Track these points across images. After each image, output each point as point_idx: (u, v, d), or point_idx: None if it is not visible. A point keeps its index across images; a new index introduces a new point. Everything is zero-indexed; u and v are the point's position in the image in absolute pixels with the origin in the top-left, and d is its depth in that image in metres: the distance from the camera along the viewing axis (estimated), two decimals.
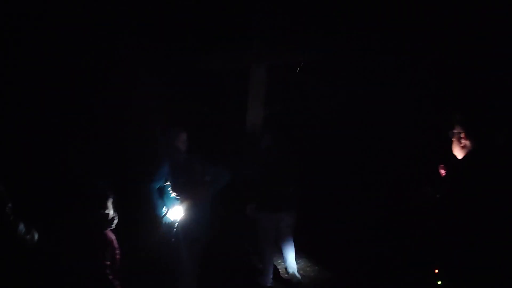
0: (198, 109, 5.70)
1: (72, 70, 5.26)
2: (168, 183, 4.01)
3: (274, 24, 5.37)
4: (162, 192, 4.07)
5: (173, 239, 3.87)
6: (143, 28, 5.53)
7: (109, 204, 2.82)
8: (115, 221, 2.86)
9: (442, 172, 3.27)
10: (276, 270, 4.84)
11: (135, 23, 5.50)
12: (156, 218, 4.01)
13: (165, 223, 4.00)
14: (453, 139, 2.56)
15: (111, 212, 2.82)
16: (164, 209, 4.02)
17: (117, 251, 2.86)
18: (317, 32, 5.31)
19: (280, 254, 4.80)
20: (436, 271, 2.52)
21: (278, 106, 5.58)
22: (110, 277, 2.74)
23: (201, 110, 5.73)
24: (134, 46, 5.50)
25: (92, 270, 2.70)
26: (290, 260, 4.71)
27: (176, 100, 5.60)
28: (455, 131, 2.52)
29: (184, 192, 3.85)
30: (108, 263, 2.74)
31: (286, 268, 4.78)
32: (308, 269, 5.04)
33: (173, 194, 3.93)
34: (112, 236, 2.87)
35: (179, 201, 3.88)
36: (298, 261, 4.93)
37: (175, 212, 3.91)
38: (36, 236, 2.64)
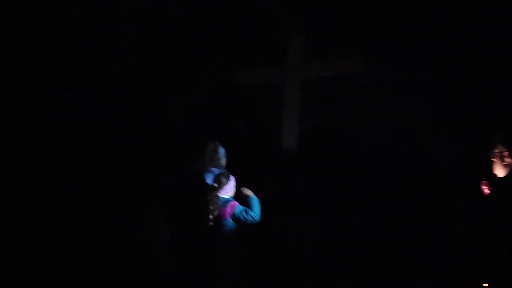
0: (232, 125, 5.73)
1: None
2: None
3: (309, 37, 5.34)
4: None
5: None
6: (177, 44, 5.65)
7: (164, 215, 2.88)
8: (167, 232, 2.91)
9: (485, 189, 3.14)
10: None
11: (168, 39, 5.64)
12: None
13: None
14: (495, 158, 2.53)
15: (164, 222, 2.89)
16: None
17: (168, 263, 2.88)
18: (352, 44, 5.22)
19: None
20: (485, 285, 2.47)
21: (314, 120, 5.51)
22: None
23: (235, 125, 5.75)
24: (167, 62, 5.63)
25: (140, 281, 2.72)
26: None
27: (211, 116, 5.66)
28: (496, 150, 2.50)
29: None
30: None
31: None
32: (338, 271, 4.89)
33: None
34: (165, 249, 2.90)
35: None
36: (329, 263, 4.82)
37: None
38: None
